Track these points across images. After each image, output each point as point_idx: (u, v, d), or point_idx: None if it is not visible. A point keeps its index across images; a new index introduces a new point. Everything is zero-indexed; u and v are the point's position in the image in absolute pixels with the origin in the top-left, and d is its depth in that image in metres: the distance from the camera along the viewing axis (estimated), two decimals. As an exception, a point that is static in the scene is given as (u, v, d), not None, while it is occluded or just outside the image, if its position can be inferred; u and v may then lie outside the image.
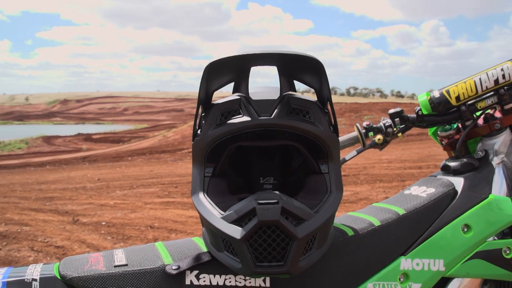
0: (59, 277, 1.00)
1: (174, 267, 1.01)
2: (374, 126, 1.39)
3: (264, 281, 1.04)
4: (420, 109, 1.36)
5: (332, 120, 1.05)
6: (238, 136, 1.00)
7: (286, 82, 1.04)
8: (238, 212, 0.94)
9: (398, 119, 1.38)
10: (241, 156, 1.17)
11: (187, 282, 1.02)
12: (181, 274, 1.02)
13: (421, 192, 1.27)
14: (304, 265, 0.95)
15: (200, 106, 1.04)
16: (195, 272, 1.03)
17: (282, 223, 0.90)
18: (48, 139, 26.30)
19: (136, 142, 22.06)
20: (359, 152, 1.39)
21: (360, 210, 1.28)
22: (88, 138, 26.95)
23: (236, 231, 0.92)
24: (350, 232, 1.14)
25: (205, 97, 1.03)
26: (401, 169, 8.75)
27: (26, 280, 0.99)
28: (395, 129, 1.37)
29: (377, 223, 1.17)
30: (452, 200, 1.22)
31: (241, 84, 1.01)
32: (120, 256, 1.06)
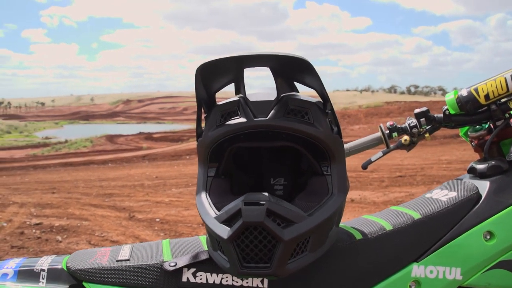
0: (65, 269, 1.06)
1: (171, 264, 1.03)
2: (399, 126, 1.33)
3: (262, 282, 1.03)
4: (448, 109, 1.29)
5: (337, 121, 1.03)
6: (237, 137, 1.00)
7: (285, 83, 1.03)
8: (227, 212, 0.94)
9: (424, 119, 1.31)
10: (252, 157, 1.17)
11: (184, 279, 1.03)
12: (178, 271, 1.03)
13: (442, 196, 1.20)
14: (293, 268, 0.94)
15: (203, 107, 1.05)
16: (192, 269, 1.04)
17: (267, 224, 0.89)
18: (111, 138, 27.37)
19: (195, 141, 22.41)
20: (385, 153, 1.34)
21: (376, 214, 1.24)
22: (148, 137, 27.79)
23: (224, 231, 0.93)
24: (358, 236, 1.10)
25: (207, 98, 1.04)
26: (461, 170, 8.40)
27: (35, 270, 1.06)
28: (421, 129, 1.31)
29: (388, 227, 1.12)
30: (474, 205, 1.14)
31: (239, 86, 1.02)
32: (125, 252, 1.10)
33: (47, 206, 6.59)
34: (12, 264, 1.09)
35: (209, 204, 1.00)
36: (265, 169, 1.17)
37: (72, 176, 10.65)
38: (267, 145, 1.02)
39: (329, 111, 1.01)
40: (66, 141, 27.79)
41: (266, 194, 0.93)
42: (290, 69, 1.00)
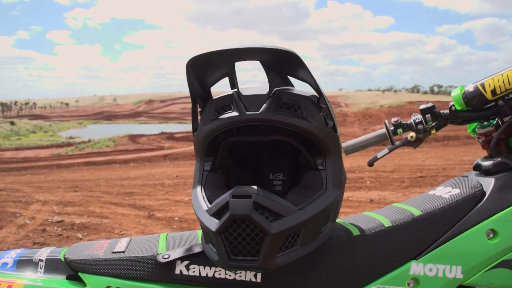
0: (63, 260, 1.08)
1: (164, 256, 1.04)
2: (404, 122, 1.31)
3: (255, 276, 1.03)
4: (454, 105, 1.26)
5: (333, 115, 1.02)
6: (231, 131, 1.00)
7: (279, 77, 1.03)
8: (217, 205, 0.94)
9: (429, 115, 1.28)
10: (251, 152, 1.17)
11: (177, 271, 1.04)
12: (172, 264, 1.04)
13: (445, 193, 1.17)
14: (281, 262, 0.93)
15: (198, 102, 1.06)
16: (186, 262, 1.05)
17: (254, 217, 0.89)
18: (133, 138, 27.70)
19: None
20: (390, 150, 1.31)
21: (377, 210, 1.23)
22: (170, 136, 28.04)
23: (213, 224, 0.93)
24: (356, 232, 1.09)
25: (202, 93, 1.05)
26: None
27: (34, 260, 1.09)
28: (426, 126, 1.28)
29: (387, 223, 1.10)
30: (478, 203, 1.12)
31: (232, 80, 1.02)
32: (122, 244, 1.12)
33: (69, 204, 6.71)
34: (13, 254, 1.12)
35: (203, 198, 1.01)
36: (264, 164, 1.17)
37: (94, 175, 10.82)
38: (260, 139, 1.02)
39: (323, 105, 1.01)
40: (89, 141, 28.25)
41: (254, 187, 0.93)
42: (280, 63, 1.00)
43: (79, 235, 4.92)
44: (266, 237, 0.90)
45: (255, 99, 0.97)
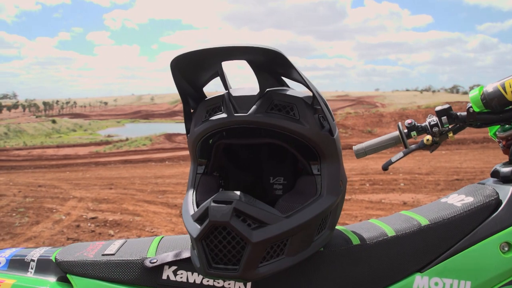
0: (54, 261, 1.07)
1: (152, 261, 1.01)
2: (418, 125, 1.24)
3: (245, 285, 0.98)
4: (471, 106, 1.19)
5: (330, 117, 0.97)
6: (221, 133, 0.97)
7: (271, 78, 0.99)
8: (199, 210, 0.91)
9: (445, 117, 1.21)
10: (250, 155, 1.14)
11: (164, 276, 1.01)
12: (159, 269, 1.02)
13: (458, 201, 1.10)
14: (265, 272, 0.88)
15: (190, 103, 1.02)
16: (174, 267, 1.02)
17: (233, 225, 0.85)
18: (169, 137, 28.02)
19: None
20: (405, 153, 1.26)
21: (383, 218, 1.16)
22: (205, 136, 28.17)
23: (195, 230, 0.90)
24: (356, 241, 1.03)
25: (194, 93, 1.02)
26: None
27: (26, 260, 1.09)
28: (442, 128, 1.21)
29: (391, 233, 1.04)
30: (492, 212, 1.04)
31: (224, 80, 0.99)
32: (114, 246, 1.09)
33: (104, 201, 6.85)
34: (7, 253, 1.13)
35: (192, 202, 0.98)
36: (265, 168, 1.14)
37: (130, 173, 11.01)
38: (251, 142, 0.98)
39: (318, 107, 0.95)
40: (126, 139, 28.76)
41: (237, 193, 0.89)
42: (270, 63, 0.95)
43: (111, 232, 5.02)
44: (247, 246, 0.86)
45: (246, 100, 0.93)
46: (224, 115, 0.93)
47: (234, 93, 0.96)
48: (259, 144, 1.02)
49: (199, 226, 0.89)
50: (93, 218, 5.67)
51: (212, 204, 0.87)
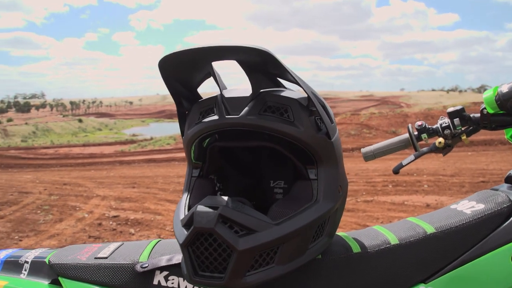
0: (47, 263, 1.05)
1: (143, 266, 0.99)
2: (429, 127, 1.19)
3: None
4: (485, 108, 1.13)
5: (328, 119, 0.92)
6: (213, 136, 0.94)
7: (266, 79, 0.95)
8: (188, 215, 0.87)
9: (458, 119, 1.16)
10: (250, 158, 1.11)
11: (155, 282, 0.98)
12: (150, 273, 0.99)
13: (468, 207, 1.04)
14: (253, 281, 0.84)
15: (184, 104, 1.00)
16: (165, 273, 0.99)
17: (218, 232, 0.81)
18: (193, 136, 28.18)
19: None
20: (417, 156, 1.20)
21: (387, 225, 1.10)
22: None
23: (181, 235, 0.87)
24: (356, 249, 0.98)
25: (188, 94, 0.99)
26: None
27: (20, 261, 1.08)
28: (455, 131, 1.16)
29: (394, 241, 0.99)
30: (505, 221, 0.98)
31: (216, 81, 0.96)
32: (109, 249, 1.07)
33: (126, 199, 6.92)
34: (3, 254, 1.12)
35: (184, 206, 0.95)
36: (265, 171, 1.11)
37: (153, 172, 11.11)
38: (243, 145, 0.95)
39: (313, 109, 0.91)
40: (151, 138, 29.09)
41: (225, 198, 0.86)
42: (259, 63, 0.91)
43: (132, 230, 5.06)
44: (234, 254, 0.82)
45: (239, 102, 0.90)
46: (215, 117, 0.90)
47: (228, 94, 0.92)
48: (255, 147, 0.98)
49: (186, 232, 0.86)
50: (115, 216, 5.74)
51: (197, 209, 0.84)
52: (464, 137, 1.18)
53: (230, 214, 0.83)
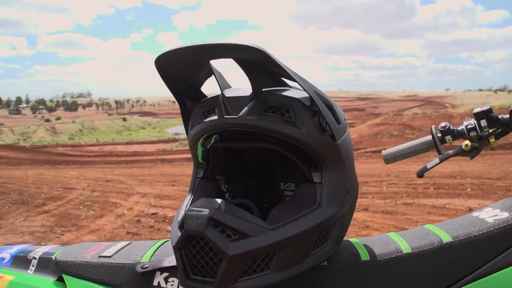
0: (54, 260, 1.06)
1: (144, 266, 0.98)
2: (454, 128, 1.12)
3: None
4: None
5: (333, 120, 0.87)
6: (215, 136, 0.92)
7: (268, 78, 0.91)
8: (182, 217, 0.85)
9: (485, 120, 1.08)
10: (260, 159, 1.08)
11: (155, 283, 0.97)
12: (151, 274, 0.97)
13: (490, 216, 0.96)
14: (244, 287, 0.81)
15: (187, 103, 0.98)
16: (165, 274, 0.97)
17: (208, 235, 0.79)
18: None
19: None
20: (442, 160, 1.15)
21: (403, 232, 1.04)
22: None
23: (175, 238, 0.85)
24: (365, 256, 0.92)
25: (191, 94, 0.98)
26: None
27: (28, 257, 1.09)
28: (482, 133, 1.09)
29: (406, 249, 0.92)
30: None
31: (217, 80, 0.93)
32: (114, 248, 1.06)
33: (165, 197, 7.03)
34: (14, 249, 1.14)
35: (185, 207, 0.94)
36: (275, 173, 1.08)
37: (181, 170, 11.21)
38: (244, 146, 0.93)
39: (316, 109, 0.86)
40: (192, 137, 29.41)
41: (218, 201, 0.83)
42: (257, 61, 0.86)
43: (169, 228, 5.14)
44: (224, 259, 0.80)
45: (240, 102, 0.86)
46: (215, 117, 0.87)
47: (229, 93, 0.90)
48: (256, 149, 0.95)
49: (179, 234, 0.84)
50: (153, 213, 5.84)
51: (188, 212, 0.81)
52: (492, 140, 1.11)
53: (222, 218, 0.80)
